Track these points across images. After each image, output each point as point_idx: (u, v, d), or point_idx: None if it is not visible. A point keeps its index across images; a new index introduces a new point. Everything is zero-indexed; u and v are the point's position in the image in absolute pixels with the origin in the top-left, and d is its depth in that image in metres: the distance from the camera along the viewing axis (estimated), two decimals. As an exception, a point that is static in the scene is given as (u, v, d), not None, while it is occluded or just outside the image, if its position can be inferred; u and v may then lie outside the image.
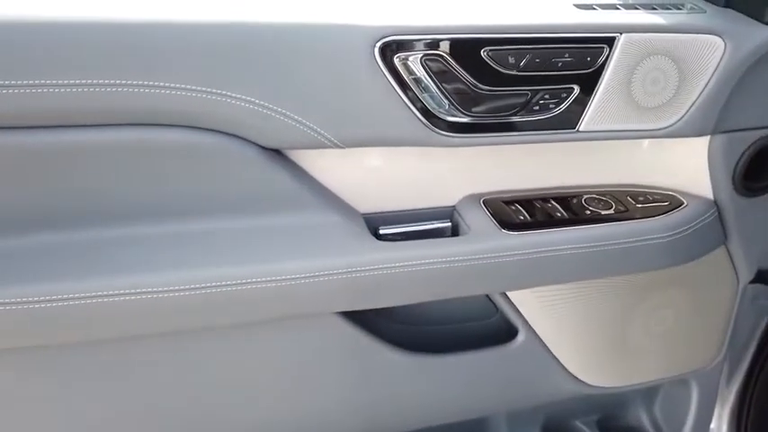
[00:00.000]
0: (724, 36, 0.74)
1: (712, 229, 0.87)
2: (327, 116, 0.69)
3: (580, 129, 0.76)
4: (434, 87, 0.70)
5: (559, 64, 0.72)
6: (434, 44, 0.68)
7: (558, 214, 0.82)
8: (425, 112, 0.71)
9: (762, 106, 0.82)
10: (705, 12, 0.78)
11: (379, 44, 0.67)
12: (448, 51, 0.69)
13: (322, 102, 0.68)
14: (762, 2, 0.76)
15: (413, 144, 0.73)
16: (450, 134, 0.73)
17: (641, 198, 0.87)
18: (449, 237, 0.82)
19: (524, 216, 0.81)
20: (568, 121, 0.76)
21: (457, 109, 0.71)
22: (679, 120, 0.78)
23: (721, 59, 0.75)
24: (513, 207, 0.83)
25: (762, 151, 0.85)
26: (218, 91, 0.65)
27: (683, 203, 0.86)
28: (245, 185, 0.72)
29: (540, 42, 0.71)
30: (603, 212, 0.83)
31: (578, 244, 0.79)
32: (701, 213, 0.86)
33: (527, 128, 0.75)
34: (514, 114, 0.73)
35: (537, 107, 0.74)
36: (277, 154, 0.73)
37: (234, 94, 0.65)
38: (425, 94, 0.70)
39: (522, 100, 0.73)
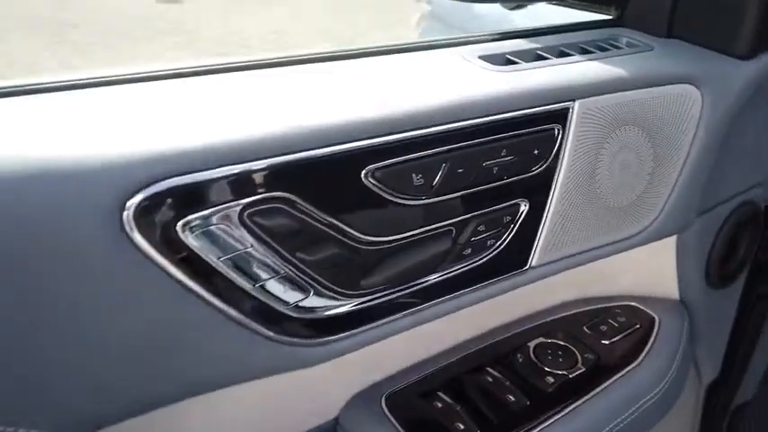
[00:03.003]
0: (699, 83, 0.48)
1: (688, 339, 0.62)
2: None
3: (533, 264, 0.45)
4: (274, 261, 0.33)
5: (495, 170, 0.39)
6: (265, 182, 0.31)
7: (511, 397, 0.49)
8: (258, 311, 0.33)
9: (741, 165, 0.58)
10: (652, 48, 0.51)
11: (133, 203, 0.28)
12: (295, 188, 0.32)
13: None
14: (730, 27, 0.51)
15: (238, 382, 0.36)
16: (312, 340, 0.36)
17: (603, 327, 0.57)
18: None
19: (460, 420, 0.47)
20: (516, 258, 0.44)
21: (326, 293, 0.35)
22: (658, 216, 0.50)
23: (700, 118, 0.49)
24: (438, 403, 0.48)
25: (738, 225, 0.61)
26: None
27: (653, 319, 0.59)
28: None
29: (462, 138, 0.37)
30: (572, 375, 0.52)
31: None
32: (678, 327, 0.59)
33: (454, 288, 0.41)
34: (432, 272, 0.39)
35: (468, 249, 0.40)
36: None
37: None
38: (254, 281, 0.32)
39: (443, 247, 0.39)
